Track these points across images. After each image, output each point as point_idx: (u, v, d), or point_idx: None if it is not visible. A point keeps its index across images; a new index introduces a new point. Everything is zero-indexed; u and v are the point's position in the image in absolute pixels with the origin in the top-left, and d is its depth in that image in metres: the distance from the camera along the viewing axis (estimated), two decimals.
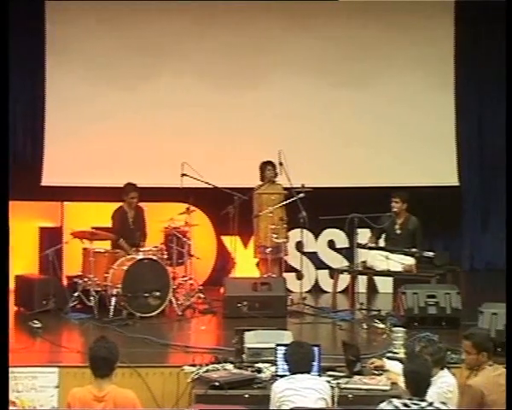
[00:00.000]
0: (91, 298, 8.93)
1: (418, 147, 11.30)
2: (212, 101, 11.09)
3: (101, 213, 10.10)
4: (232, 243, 9.75)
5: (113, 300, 8.86)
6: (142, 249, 9.23)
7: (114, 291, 8.90)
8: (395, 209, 9.37)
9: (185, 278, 9.55)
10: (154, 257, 9.15)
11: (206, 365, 6.69)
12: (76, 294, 9.07)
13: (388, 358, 6.76)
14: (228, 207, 9.50)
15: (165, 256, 9.37)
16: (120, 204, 9.68)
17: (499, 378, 5.58)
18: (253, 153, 10.40)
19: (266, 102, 11.16)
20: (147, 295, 8.93)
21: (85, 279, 9.12)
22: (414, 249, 9.16)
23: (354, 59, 11.23)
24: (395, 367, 6.32)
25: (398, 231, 9.37)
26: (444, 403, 5.16)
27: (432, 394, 5.30)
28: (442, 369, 5.84)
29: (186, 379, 6.60)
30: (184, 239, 9.54)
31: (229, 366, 6.64)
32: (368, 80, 11.28)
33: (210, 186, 9.71)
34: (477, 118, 11.86)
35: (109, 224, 9.65)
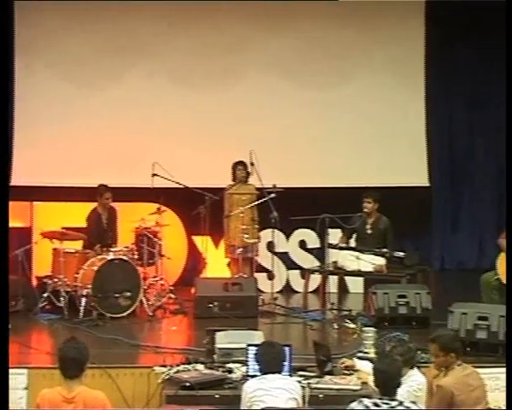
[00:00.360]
0: (61, 299, 8.88)
1: (389, 147, 11.35)
2: (183, 101, 11.08)
3: (72, 214, 10.04)
4: (203, 243, 9.73)
5: (84, 300, 8.81)
6: (112, 250, 9.19)
7: (84, 292, 8.85)
8: (367, 209, 9.41)
9: (156, 279, 9.53)
10: (125, 257, 9.12)
11: (177, 365, 6.67)
12: (45, 294, 9.01)
13: (359, 358, 6.79)
14: (199, 208, 9.49)
15: (136, 256, 9.33)
16: (94, 206, 9.64)
17: (468, 378, 5.62)
18: (225, 153, 10.39)
19: (238, 102, 11.16)
20: (117, 295, 8.89)
21: (55, 280, 9.06)
22: (384, 249, 9.20)
23: (326, 59, 11.26)
24: (365, 367, 6.35)
25: (369, 231, 9.41)
26: (414, 402, 5.19)
27: (402, 393, 5.34)
28: (412, 368, 5.88)
29: (157, 380, 6.58)
30: (155, 239, 9.52)
31: (200, 367, 6.63)
32: (339, 81, 11.32)
33: (181, 186, 9.70)
34: (447, 118, 11.95)
35: (80, 224, 9.61)
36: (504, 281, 8.05)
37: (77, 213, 9.78)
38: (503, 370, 6.65)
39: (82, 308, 8.77)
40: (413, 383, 5.77)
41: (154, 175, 9.45)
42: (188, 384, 6.23)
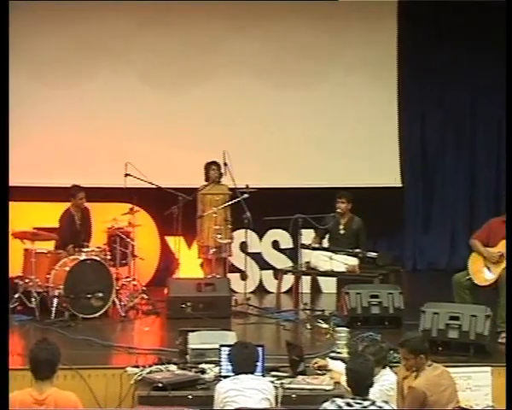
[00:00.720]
0: (32, 299, 8.82)
1: (361, 148, 11.40)
2: (155, 101, 11.05)
3: (43, 214, 9.98)
4: (176, 243, 9.70)
5: (55, 301, 8.76)
6: (84, 250, 9.14)
7: (56, 292, 8.80)
8: (340, 210, 9.44)
9: (128, 279, 9.49)
10: (97, 258, 9.08)
11: (150, 366, 6.65)
12: (16, 295, 8.94)
13: (331, 358, 6.81)
14: (172, 208, 9.47)
15: (109, 257, 9.30)
16: (67, 206, 9.59)
17: (439, 378, 5.66)
18: (198, 153, 10.36)
19: (211, 102, 11.14)
20: (89, 296, 8.85)
21: (26, 280, 9.00)
22: (357, 250, 9.24)
23: (299, 60, 11.29)
24: (338, 367, 6.37)
25: (342, 232, 9.45)
26: (386, 402, 5.22)
27: (374, 392, 5.37)
28: (384, 368, 5.91)
29: (129, 381, 6.55)
30: (128, 240, 9.48)
31: (173, 367, 6.61)
32: (312, 81, 11.35)
33: (154, 186, 9.67)
34: (419, 118, 12.02)
35: (52, 224, 9.55)
36: (476, 281, 8.12)
37: (49, 214, 9.71)
38: (475, 369, 6.72)
39: (54, 309, 8.72)
40: (385, 382, 5.80)
41: (126, 175, 9.42)
42: (160, 385, 6.21)
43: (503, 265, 8.03)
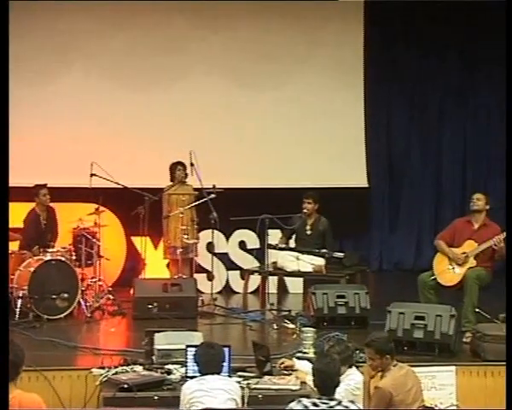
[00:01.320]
0: None
1: (329, 148, 11.44)
2: (121, 101, 11.00)
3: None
4: (142, 243, 9.66)
5: (19, 302, 8.68)
6: (49, 251, 9.07)
7: (20, 293, 8.72)
8: (306, 210, 9.45)
9: (94, 280, 9.43)
10: (62, 258, 9.01)
11: (115, 367, 6.61)
12: None
13: (298, 358, 6.82)
14: (138, 208, 9.43)
15: (74, 257, 9.24)
16: (32, 206, 9.51)
17: (405, 378, 5.70)
18: (164, 153, 10.34)
19: (178, 101, 11.13)
20: (54, 296, 8.78)
21: None
22: (324, 250, 9.26)
23: (265, 60, 11.30)
24: (305, 367, 6.39)
25: (309, 232, 9.46)
26: (352, 402, 5.24)
27: (340, 391, 5.38)
28: (350, 367, 5.93)
29: (94, 382, 6.51)
30: (93, 240, 9.43)
31: (139, 368, 6.58)
32: (279, 81, 11.38)
33: (120, 186, 9.62)
34: (386, 119, 12.09)
35: (16, 224, 9.44)
36: (441, 281, 8.19)
37: (12, 214, 9.60)
38: (439, 368, 6.78)
39: (18, 310, 8.63)
40: (351, 382, 5.82)
41: (92, 175, 9.36)
42: (126, 386, 6.18)
43: (468, 265, 8.11)
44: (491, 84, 11.88)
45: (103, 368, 6.61)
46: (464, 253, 8.15)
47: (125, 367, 6.59)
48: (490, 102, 11.99)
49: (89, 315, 8.89)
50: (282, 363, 6.64)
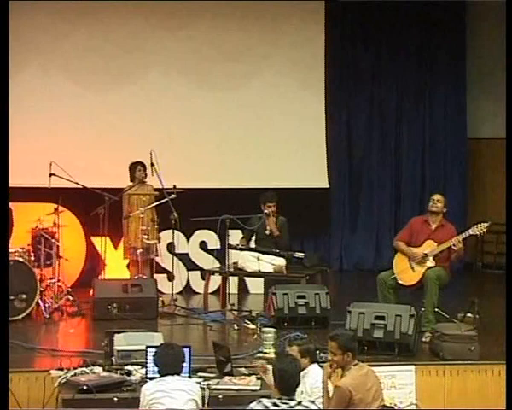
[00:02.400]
0: None
1: (289, 149, 11.48)
2: (81, 100, 10.93)
3: None
4: (102, 244, 9.59)
5: None
6: None
7: None
8: (266, 211, 9.44)
9: (53, 280, 9.34)
10: (20, 259, 8.91)
11: (74, 368, 6.55)
12: None
13: (258, 358, 6.81)
14: (98, 208, 9.36)
15: (33, 258, 9.14)
16: None
17: (365, 378, 5.71)
18: (124, 153, 10.30)
19: (137, 101, 11.08)
20: (12, 297, 8.66)
21: None
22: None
23: (225, 60, 11.30)
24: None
25: (268, 232, 9.44)
26: (312, 401, 5.25)
27: (301, 388, 5.38)
28: (312, 363, 5.93)
29: (53, 384, 6.45)
30: (52, 240, 9.34)
31: (98, 370, 6.53)
32: (238, 81, 11.38)
33: (79, 186, 9.54)
34: (346, 120, 12.15)
35: None
36: (401, 281, 8.24)
37: None
38: (399, 368, 6.82)
39: None
40: (311, 379, 5.83)
41: (51, 175, 9.27)
42: (85, 388, 6.12)
43: (428, 265, 8.18)
44: (447, 83, 12.05)
45: (62, 369, 6.54)
46: (423, 253, 8.21)
47: (84, 369, 6.52)
48: (447, 100, 12.14)
49: (47, 316, 8.80)
50: (262, 366, 6.51)
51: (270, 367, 6.43)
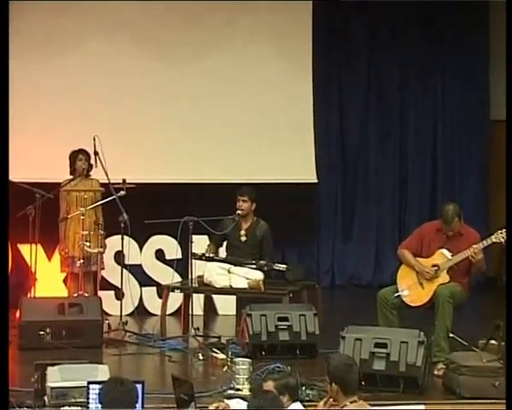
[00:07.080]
0: None
1: (268, 136, 11.55)
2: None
3: None
4: (32, 253, 9.55)
5: None
6: None
7: None
8: (241, 211, 9.46)
9: None
10: None
11: None
12: None
13: (228, 396, 6.80)
14: (27, 208, 9.34)
15: None
16: None
17: None
18: (62, 140, 10.34)
19: (76, 73, 11.06)
20: None
21: None
22: (262, 261, 9.29)
23: (188, 27, 11.34)
24: (237, 407, 6.35)
25: (243, 239, 9.49)
26: None
27: None
28: (294, 402, 5.90)
29: None
30: None
31: None
32: (204, 52, 11.39)
33: None
34: (338, 100, 12.19)
35: None
36: (406, 299, 8.23)
37: None
38: (406, 408, 6.81)
39: None
40: None
41: None
42: None
43: (439, 280, 8.17)
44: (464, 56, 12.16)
45: None
46: (435, 265, 8.21)
47: None
48: (464, 76, 12.23)
49: None
50: (217, 408, 6.52)
51: (229, 405, 6.45)
